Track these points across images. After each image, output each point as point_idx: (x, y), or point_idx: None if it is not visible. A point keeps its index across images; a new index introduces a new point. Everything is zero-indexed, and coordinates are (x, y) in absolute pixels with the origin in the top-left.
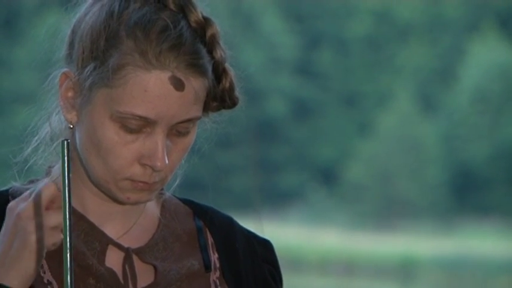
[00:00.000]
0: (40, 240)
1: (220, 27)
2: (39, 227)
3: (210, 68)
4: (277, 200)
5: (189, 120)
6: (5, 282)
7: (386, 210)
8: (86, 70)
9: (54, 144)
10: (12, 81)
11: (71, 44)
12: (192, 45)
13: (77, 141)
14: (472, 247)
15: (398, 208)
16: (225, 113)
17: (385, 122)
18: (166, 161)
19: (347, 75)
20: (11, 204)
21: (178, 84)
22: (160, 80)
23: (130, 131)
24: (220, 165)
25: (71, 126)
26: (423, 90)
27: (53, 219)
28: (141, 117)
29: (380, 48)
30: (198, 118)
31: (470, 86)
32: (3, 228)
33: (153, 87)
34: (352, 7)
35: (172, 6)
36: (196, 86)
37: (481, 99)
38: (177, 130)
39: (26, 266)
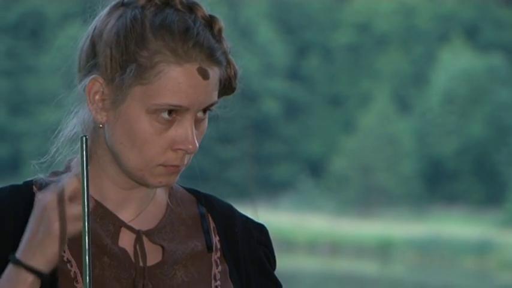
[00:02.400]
0: (63, 229)
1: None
2: (62, 217)
3: (224, 59)
4: (271, 189)
5: (212, 105)
6: (32, 264)
7: (367, 198)
8: (117, 73)
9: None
10: (38, 85)
11: (94, 53)
12: (209, 40)
13: (108, 137)
14: (441, 230)
15: (377, 196)
16: (225, 113)
17: (366, 120)
18: (197, 144)
19: (332, 79)
20: (39, 195)
21: (205, 74)
22: (190, 72)
23: (163, 121)
24: (221, 159)
25: (101, 126)
26: (399, 93)
27: (74, 210)
28: (176, 106)
29: (361, 55)
30: (216, 103)
31: (440, 89)
32: (31, 216)
33: (185, 79)
34: (337, 19)
35: (180, 7)
36: (215, 74)
37: (450, 101)
38: (196, 117)
39: (49, 250)
